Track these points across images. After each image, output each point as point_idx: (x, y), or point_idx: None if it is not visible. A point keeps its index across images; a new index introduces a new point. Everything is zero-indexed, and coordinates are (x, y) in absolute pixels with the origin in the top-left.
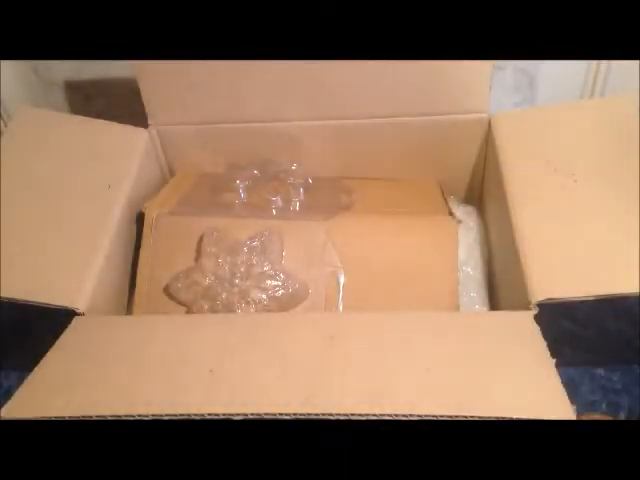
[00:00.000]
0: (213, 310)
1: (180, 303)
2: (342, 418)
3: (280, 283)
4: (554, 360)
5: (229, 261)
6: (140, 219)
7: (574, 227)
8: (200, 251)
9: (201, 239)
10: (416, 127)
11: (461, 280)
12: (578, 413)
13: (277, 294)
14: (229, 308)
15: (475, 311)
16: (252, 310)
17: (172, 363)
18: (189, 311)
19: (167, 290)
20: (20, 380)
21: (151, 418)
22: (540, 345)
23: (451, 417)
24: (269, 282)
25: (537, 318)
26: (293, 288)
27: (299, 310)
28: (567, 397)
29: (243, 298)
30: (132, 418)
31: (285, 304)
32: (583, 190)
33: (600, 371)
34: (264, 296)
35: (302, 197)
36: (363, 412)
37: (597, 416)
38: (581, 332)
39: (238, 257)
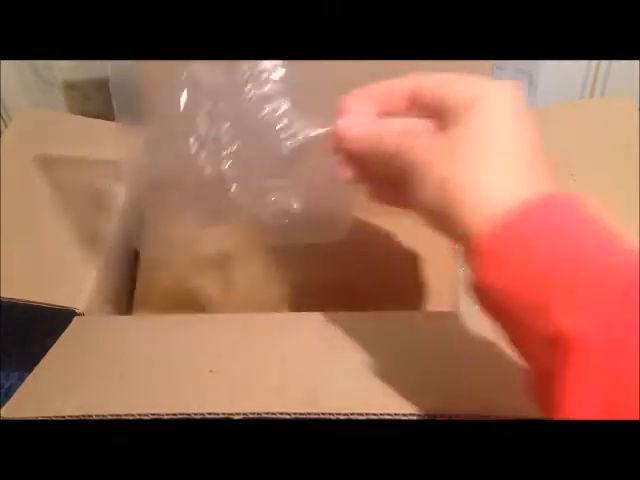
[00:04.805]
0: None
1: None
2: (342, 418)
3: None
4: None
5: None
6: None
7: None
8: None
9: None
10: None
11: (461, 280)
12: None
13: None
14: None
15: (475, 311)
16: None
17: (172, 363)
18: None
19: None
20: (20, 380)
21: (151, 418)
22: None
23: (451, 417)
24: None
25: None
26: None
27: None
28: None
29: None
30: (132, 418)
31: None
32: (583, 190)
33: None
34: None
35: None
36: (363, 412)
37: None
38: None
39: None
